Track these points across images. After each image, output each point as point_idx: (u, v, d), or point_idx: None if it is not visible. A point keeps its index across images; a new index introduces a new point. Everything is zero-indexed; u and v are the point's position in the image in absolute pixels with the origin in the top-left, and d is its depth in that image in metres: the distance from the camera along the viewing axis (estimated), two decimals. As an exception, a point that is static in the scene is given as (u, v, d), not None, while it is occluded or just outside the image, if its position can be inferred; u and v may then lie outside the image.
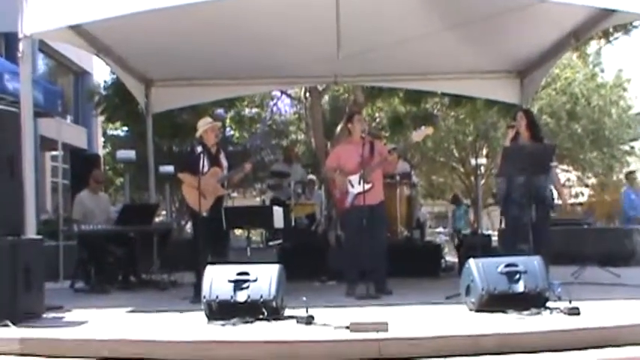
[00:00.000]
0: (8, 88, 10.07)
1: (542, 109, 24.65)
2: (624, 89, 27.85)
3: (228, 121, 22.22)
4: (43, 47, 22.16)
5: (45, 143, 18.87)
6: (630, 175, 15.69)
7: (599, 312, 6.50)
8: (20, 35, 7.90)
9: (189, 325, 6.42)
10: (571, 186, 29.39)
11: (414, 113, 20.59)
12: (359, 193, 8.57)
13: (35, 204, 7.84)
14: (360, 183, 8.57)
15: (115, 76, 15.96)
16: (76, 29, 9.03)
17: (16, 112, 7.58)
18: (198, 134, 9.07)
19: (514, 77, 12.92)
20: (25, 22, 7.87)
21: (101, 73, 25.27)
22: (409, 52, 11.13)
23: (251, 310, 6.47)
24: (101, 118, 22.29)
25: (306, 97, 22.16)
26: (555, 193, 9.29)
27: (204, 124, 9.09)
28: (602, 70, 28.48)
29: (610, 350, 5.52)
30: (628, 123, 27.47)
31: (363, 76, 13.73)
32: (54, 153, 22.19)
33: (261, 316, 6.43)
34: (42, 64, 24.08)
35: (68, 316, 7.21)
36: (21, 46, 7.95)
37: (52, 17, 7.96)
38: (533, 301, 6.68)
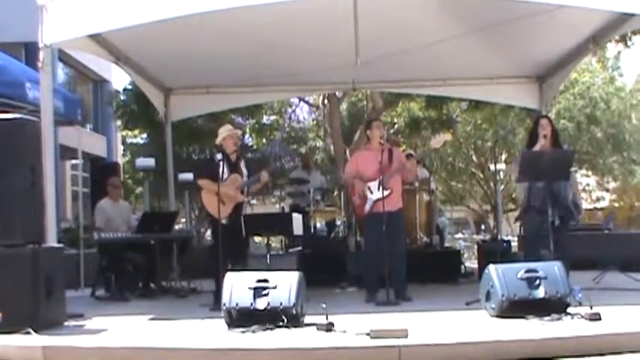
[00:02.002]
0: (29, 96, 10.13)
1: (560, 114, 24.56)
2: (644, 93, 27.72)
3: (247, 129, 22.27)
4: (63, 56, 22.30)
5: (65, 152, 18.98)
6: None
7: (620, 317, 6.46)
8: (40, 45, 7.97)
9: (209, 333, 6.43)
10: (591, 191, 29.25)
11: (432, 118, 20.56)
12: (378, 200, 8.56)
13: (56, 212, 7.88)
14: (379, 189, 8.57)
15: (133, 84, 16.03)
16: (95, 38, 9.10)
17: (36, 121, 7.62)
18: (218, 141, 9.11)
19: (533, 82, 12.89)
20: (44, 32, 7.93)
21: (120, 81, 25.37)
22: (427, 57, 11.12)
23: (271, 318, 6.48)
24: (120, 126, 22.37)
25: (324, 104, 22.18)
26: (579, 200, 9.25)
27: (224, 131, 9.13)
28: (621, 75, 28.36)
29: (631, 356, 5.49)
30: (647, 127, 27.31)
31: (381, 82, 13.73)
32: (74, 162, 22.35)
33: (281, 324, 6.43)
34: (61, 72, 24.26)
35: (89, 324, 7.25)
36: (41, 55, 8.01)
37: (72, 26, 8.02)
38: (553, 306, 6.65)
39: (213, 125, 15.38)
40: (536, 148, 8.55)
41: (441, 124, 20.55)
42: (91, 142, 24.50)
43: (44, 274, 6.86)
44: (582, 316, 6.41)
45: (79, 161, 14.11)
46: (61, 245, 7.72)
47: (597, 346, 5.58)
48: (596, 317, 6.33)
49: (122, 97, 19.81)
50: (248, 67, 11.42)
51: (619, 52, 26.53)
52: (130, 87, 18.98)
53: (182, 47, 10.35)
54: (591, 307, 6.43)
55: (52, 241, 7.55)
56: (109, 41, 9.62)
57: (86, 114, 23.52)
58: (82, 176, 14.88)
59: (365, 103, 22.45)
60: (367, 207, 8.81)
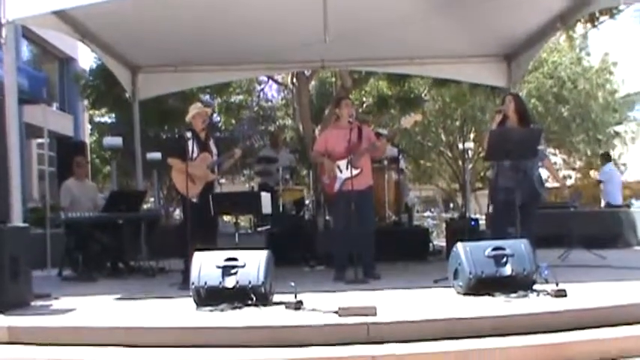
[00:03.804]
0: (-8, 74, 9.99)
1: (530, 93, 24.71)
2: (610, 73, 27.91)
3: (215, 107, 22.18)
4: (27, 33, 22.06)
5: (30, 131, 18.82)
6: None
7: (586, 294, 6.53)
8: (2, 21, 7.81)
9: (178, 312, 6.41)
10: (558, 169, 29.48)
11: (400, 96, 20.59)
12: (347, 179, 8.55)
13: (21, 192, 7.79)
14: (348, 168, 8.55)
15: (100, 62, 15.88)
16: (60, 15, 8.96)
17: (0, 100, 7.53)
18: (187, 119, 9.05)
19: (501, 61, 12.95)
20: (7, 7, 7.77)
21: (87, 59, 25.15)
22: (396, 36, 11.12)
23: (240, 296, 6.47)
24: (87, 106, 22.19)
25: (293, 83, 22.12)
26: (545, 176, 9.30)
27: (193, 108, 9.08)
28: (589, 54, 28.54)
29: (596, 331, 5.56)
30: (614, 107, 27.54)
31: (351, 61, 13.71)
32: (40, 140, 22.13)
33: (249, 302, 6.43)
34: (26, 50, 23.96)
35: (56, 304, 7.19)
36: (3, 32, 7.86)
37: (36, 2, 7.89)
38: (520, 284, 6.71)
39: (182, 105, 15.31)
40: (492, 126, 8.60)
41: (409, 103, 20.61)
42: (58, 120, 24.30)
43: (9, 254, 6.78)
44: (548, 293, 6.47)
45: (45, 140, 13.93)
46: (26, 225, 7.63)
47: (563, 322, 5.64)
48: (561, 294, 6.39)
49: (89, 76, 19.65)
50: (216, 45, 11.35)
51: (586, 32, 26.65)
52: (96, 64, 18.81)
53: (149, 24, 10.26)
54: (557, 284, 6.49)
55: (17, 220, 7.47)
56: (74, 18, 9.49)
57: (52, 92, 23.32)
58: (48, 155, 14.71)
59: (334, 80, 22.43)
60: (336, 186, 8.80)
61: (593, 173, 21.49)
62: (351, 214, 8.47)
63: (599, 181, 15.94)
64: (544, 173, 9.13)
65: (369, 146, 8.83)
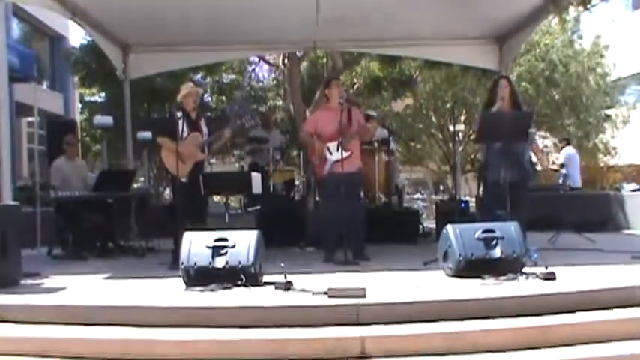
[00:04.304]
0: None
1: (521, 76, 24.67)
2: (602, 56, 27.87)
3: (207, 87, 22.13)
4: (18, 11, 21.92)
5: (21, 109, 18.74)
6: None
7: (575, 277, 6.56)
8: (-7, -1, 7.79)
9: (168, 291, 6.41)
10: (549, 152, 29.49)
11: (392, 77, 20.55)
12: (337, 161, 8.54)
13: (11, 170, 7.77)
14: (338, 150, 8.54)
15: (91, 40, 15.80)
16: (51, -8, 8.92)
17: (-10, 77, 7.50)
18: (178, 98, 9.02)
19: (492, 43, 12.93)
20: (-3, -15, 7.75)
21: (78, 37, 25.03)
22: (388, 17, 11.10)
23: (229, 276, 6.48)
24: (78, 83, 22.09)
25: (284, 64, 22.06)
26: (535, 160, 9.33)
27: (185, 88, 9.06)
28: (581, 37, 28.48)
29: (585, 314, 5.58)
30: (605, 90, 27.51)
31: (342, 42, 13.69)
32: (30, 119, 22.05)
33: (239, 282, 6.43)
34: (17, 28, 23.82)
35: (46, 283, 7.19)
36: (-6, 9, 7.83)
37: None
38: (509, 266, 6.72)
39: (173, 84, 15.25)
40: (494, 109, 8.57)
41: (401, 84, 20.58)
42: (48, 99, 24.19)
43: (-1, 232, 6.78)
44: (537, 276, 6.49)
45: (35, 119, 13.87)
46: (16, 203, 7.61)
47: (552, 305, 5.66)
48: (550, 277, 6.41)
49: (79, 54, 19.54)
50: (208, 24, 11.31)
51: (578, 15, 26.60)
52: (87, 41, 18.71)
53: (141, 3, 10.20)
54: (546, 267, 6.51)
55: (7, 199, 7.47)
56: (64, -5, 9.44)
57: (43, 71, 23.17)
58: (38, 134, 14.63)
59: (325, 61, 22.37)
60: (327, 168, 8.79)
61: (554, 157, 21.60)
62: (341, 196, 8.48)
63: (562, 165, 15.95)
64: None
65: (360, 128, 8.83)
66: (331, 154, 8.70)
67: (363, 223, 8.77)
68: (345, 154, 8.51)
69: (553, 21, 23.19)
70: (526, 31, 12.25)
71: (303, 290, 6.14)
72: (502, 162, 8.25)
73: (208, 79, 22.77)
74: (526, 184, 8.70)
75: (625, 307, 5.72)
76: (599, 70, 27.39)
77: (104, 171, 12.04)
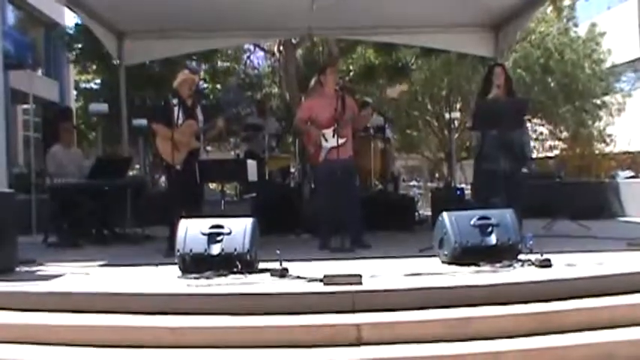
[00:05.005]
0: (-23, 39, 9.87)
1: (517, 63, 24.67)
2: (597, 43, 27.88)
3: (202, 74, 22.09)
4: (12, -2, 21.85)
5: (16, 96, 18.66)
6: None
7: (570, 264, 6.56)
8: (-13, -14, 7.75)
9: (163, 279, 6.41)
10: (544, 140, 29.51)
11: (387, 64, 20.54)
12: (333, 148, 8.54)
13: (6, 157, 7.74)
14: (334, 137, 8.54)
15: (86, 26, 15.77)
16: (45, -21, 8.88)
17: (-16, 64, 7.46)
18: (175, 85, 8.99)
19: (488, 31, 12.92)
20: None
21: (72, 24, 24.97)
22: (384, 4, 11.08)
23: (225, 264, 6.47)
24: (73, 71, 22.06)
25: (280, 51, 22.04)
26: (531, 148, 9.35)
27: (181, 75, 9.03)
28: (576, 25, 28.49)
29: (580, 301, 5.59)
30: (600, 77, 27.53)
31: (338, 29, 13.67)
32: (25, 106, 21.98)
33: (235, 269, 6.43)
34: (12, 15, 23.74)
35: (41, 270, 7.18)
36: (-12, -3, 7.79)
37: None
38: (505, 253, 6.73)
39: (168, 70, 15.22)
40: (490, 96, 8.57)
41: (397, 72, 20.57)
42: (43, 86, 24.13)
43: (-5, 220, 6.77)
44: (533, 263, 6.50)
45: (30, 106, 13.84)
46: (12, 190, 7.59)
47: (547, 292, 5.67)
48: (546, 264, 6.42)
49: (73, 36, 19.51)
50: (203, 11, 11.27)
51: (574, 2, 26.59)
52: (79, 25, 18.67)
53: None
54: (542, 254, 6.52)
55: (2, 186, 7.44)
56: (59, -18, 9.40)
57: (38, 58, 23.11)
58: (33, 121, 14.61)
59: (321, 49, 22.36)
60: (322, 155, 8.78)
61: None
62: (337, 183, 8.48)
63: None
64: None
65: (355, 115, 8.82)
66: (327, 141, 8.69)
67: (360, 210, 8.77)
68: (341, 141, 8.51)
69: (549, 8, 23.14)
70: (522, 19, 12.24)
71: (299, 277, 6.14)
72: (498, 149, 8.26)
73: (203, 66, 22.73)
74: (520, 172, 8.71)
75: (621, 294, 5.73)
76: (594, 56, 27.40)
77: (100, 158, 12.01)
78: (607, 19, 29.64)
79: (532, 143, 9.22)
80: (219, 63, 24.32)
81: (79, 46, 18.72)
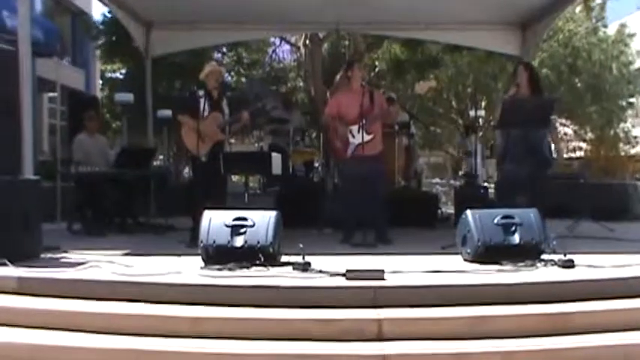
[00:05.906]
0: (7, 25, 9.92)
1: (543, 62, 24.52)
2: (626, 44, 27.67)
3: (230, 66, 22.16)
4: (41, -14, 21.97)
5: (42, 84, 18.77)
6: None
7: (593, 265, 6.53)
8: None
9: (186, 269, 6.43)
10: (569, 140, 29.36)
11: (416, 60, 20.47)
12: (359, 144, 8.53)
13: (32, 145, 7.79)
14: (360, 133, 8.52)
15: (113, 16, 15.83)
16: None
17: (13, 51, 7.49)
18: (201, 77, 9.02)
19: (516, 29, 12.87)
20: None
21: (99, 13, 25.10)
22: (412, 0, 11.05)
23: (248, 256, 6.48)
24: (99, 55, 22.17)
25: (305, 45, 22.04)
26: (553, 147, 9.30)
27: (208, 66, 9.06)
28: (605, 25, 28.28)
29: (602, 303, 5.57)
30: (628, 78, 27.32)
31: (366, 24, 13.63)
32: (51, 94, 22.11)
33: (257, 262, 6.44)
34: (39, 3, 23.86)
35: (65, 257, 7.23)
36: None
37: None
38: (528, 253, 6.70)
39: (194, 61, 15.25)
40: (508, 95, 8.55)
41: (428, 66, 20.47)
42: (70, 75, 24.21)
43: (20, 206, 6.83)
44: (555, 263, 6.47)
45: (56, 94, 13.91)
46: (37, 178, 7.64)
47: (569, 292, 5.65)
48: (569, 264, 6.39)
49: (100, 25, 19.61)
50: (231, 3, 11.29)
51: (604, 2, 26.42)
52: (110, 17, 18.74)
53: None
54: (565, 255, 6.49)
55: (28, 173, 7.48)
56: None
57: (65, 46, 23.23)
58: (59, 109, 14.68)
59: (347, 43, 22.33)
60: (349, 151, 8.77)
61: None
62: (362, 179, 8.47)
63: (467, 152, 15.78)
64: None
65: (382, 111, 8.80)
66: (354, 137, 8.67)
67: (384, 206, 8.76)
68: (367, 137, 8.49)
69: (577, 8, 23.00)
70: (551, 17, 12.19)
71: (321, 271, 6.14)
72: (521, 149, 8.22)
73: (229, 57, 22.79)
74: (545, 172, 8.66)
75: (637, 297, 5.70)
76: (622, 58, 27.19)
77: (124, 148, 12.07)
78: (636, 19, 29.38)
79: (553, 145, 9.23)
80: (245, 54, 24.36)
81: (111, 38, 18.79)
